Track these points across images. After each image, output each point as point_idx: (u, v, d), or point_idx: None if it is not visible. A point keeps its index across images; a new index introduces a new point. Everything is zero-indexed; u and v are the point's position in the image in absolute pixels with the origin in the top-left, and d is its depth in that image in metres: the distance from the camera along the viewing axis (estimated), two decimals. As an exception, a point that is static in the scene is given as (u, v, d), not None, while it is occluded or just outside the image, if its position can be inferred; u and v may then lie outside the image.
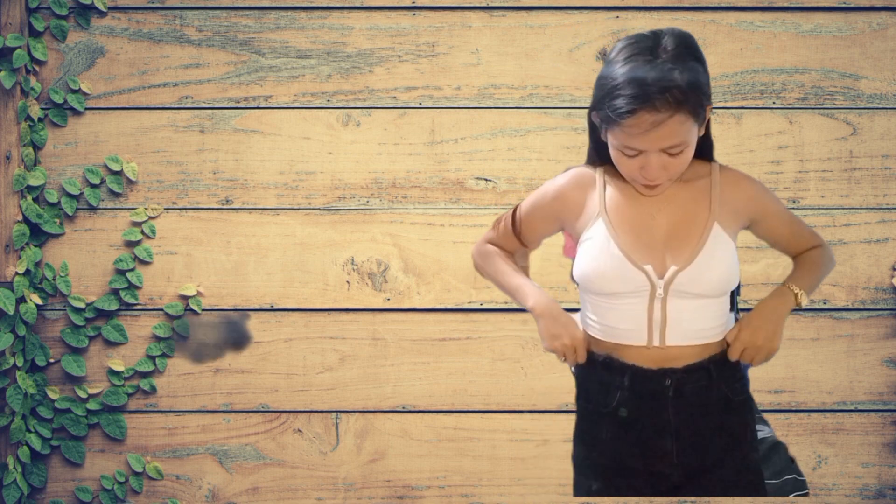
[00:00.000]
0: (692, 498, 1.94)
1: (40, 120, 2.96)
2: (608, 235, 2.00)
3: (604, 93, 1.93)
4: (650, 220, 2.01)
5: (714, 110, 2.95)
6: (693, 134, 1.94)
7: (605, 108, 1.92)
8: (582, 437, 2.09)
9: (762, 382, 2.94)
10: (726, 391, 2.03)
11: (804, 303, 2.13)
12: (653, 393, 2.00)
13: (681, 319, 2.00)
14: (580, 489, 2.07)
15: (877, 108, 2.96)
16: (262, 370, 2.98)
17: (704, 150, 2.05)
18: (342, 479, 2.98)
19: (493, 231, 2.18)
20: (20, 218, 2.95)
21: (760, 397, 2.94)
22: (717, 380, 2.02)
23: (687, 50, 1.95)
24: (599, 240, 2.01)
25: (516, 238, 2.14)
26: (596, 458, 2.04)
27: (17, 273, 2.92)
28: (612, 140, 1.95)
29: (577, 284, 2.08)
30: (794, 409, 2.96)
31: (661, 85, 1.89)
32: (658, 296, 1.99)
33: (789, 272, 2.17)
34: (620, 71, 1.91)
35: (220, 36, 2.98)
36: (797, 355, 2.96)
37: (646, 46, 1.93)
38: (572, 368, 2.12)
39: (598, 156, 2.05)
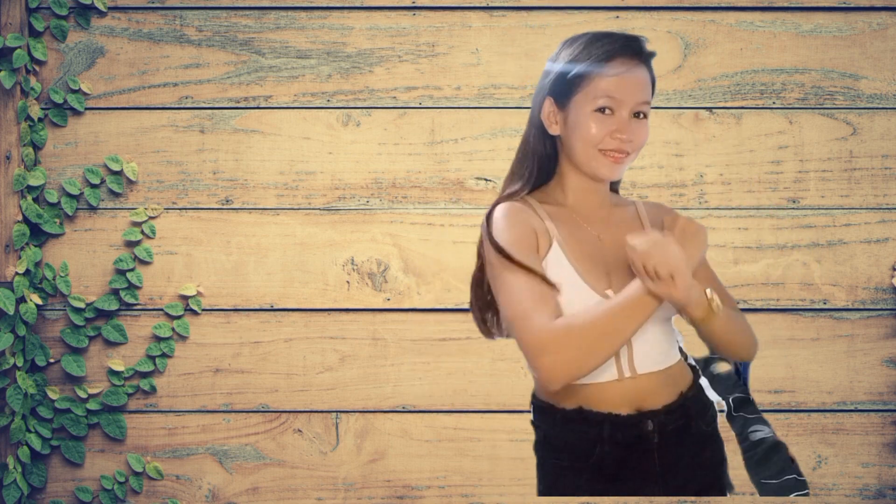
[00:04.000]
0: (692, 498, 1.94)
1: (40, 120, 2.96)
2: (569, 266, 1.92)
3: (566, 66, 1.95)
4: (598, 241, 1.97)
5: (714, 110, 2.96)
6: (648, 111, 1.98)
7: (575, 71, 1.93)
8: (552, 491, 1.97)
9: (762, 382, 2.94)
10: (702, 425, 1.97)
11: (713, 306, 1.87)
12: (637, 441, 1.90)
13: (645, 343, 1.92)
14: None
15: (877, 108, 2.96)
16: (262, 370, 2.98)
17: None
18: (342, 479, 2.99)
19: (536, 315, 1.83)
20: (20, 218, 2.95)
21: (760, 397, 2.94)
22: (694, 416, 1.95)
23: None
24: (560, 272, 1.91)
25: (553, 288, 1.89)
26: None
27: (17, 273, 2.92)
28: (584, 102, 1.94)
29: None
30: (794, 409, 2.96)
31: (632, 37, 1.96)
32: None
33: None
34: (580, 43, 1.96)
35: (220, 36, 2.98)
36: (797, 355, 2.96)
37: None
38: (532, 420, 1.99)
39: (538, 167, 2.00)
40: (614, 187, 2.14)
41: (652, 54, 1.98)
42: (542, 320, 1.81)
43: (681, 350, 2.04)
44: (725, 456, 2.03)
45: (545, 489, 1.98)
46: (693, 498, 1.94)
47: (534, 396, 2.03)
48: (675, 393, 1.94)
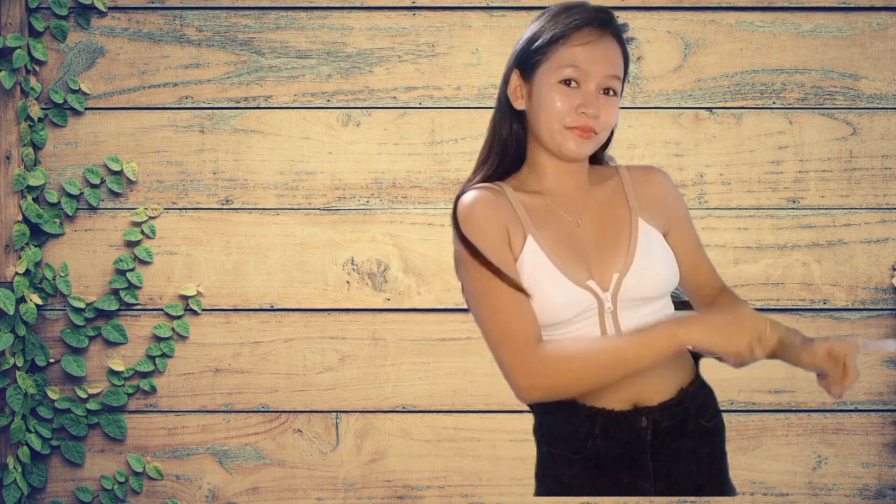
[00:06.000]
0: (692, 498, 1.94)
1: (40, 120, 2.96)
2: (546, 260, 1.82)
3: (534, 35, 1.87)
4: (576, 228, 1.87)
5: (714, 110, 2.96)
6: (620, 90, 1.88)
7: (540, 40, 1.85)
8: (545, 479, 1.93)
9: (762, 383, 2.94)
10: (701, 420, 1.89)
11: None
12: (629, 437, 1.85)
13: None
14: None
15: (877, 108, 2.96)
16: (262, 370, 2.98)
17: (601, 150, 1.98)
18: (342, 479, 2.99)
19: (514, 326, 1.80)
20: (20, 218, 2.95)
21: (761, 397, 2.94)
22: (693, 413, 1.88)
23: None
24: (537, 267, 1.82)
25: (526, 294, 1.81)
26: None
27: (17, 273, 2.92)
28: (548, 73, 1.85)
29: None
30: (794, 409, 2.96)
31: (601, 8, 1.88)
32: (608, 310, 1.83)
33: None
34: (548, 14, 1.88)
35: (220, 36, 2.98)
36: (797, 355, 2.95)
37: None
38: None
39: (501, 150, 1.92)
40: (597, 158, 1.99)
41: (623, 27, 1.89)
42: (528, 340, 1.78)
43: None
44: (723, 447, 1.96)
45: (539, 474, 1.94)
46: (693, 498, 1.93)
47: None
48: (673, 388, 1.87)
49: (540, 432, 1.94)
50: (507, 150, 1.93)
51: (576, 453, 1.87)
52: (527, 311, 1.79)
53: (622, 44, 1.89)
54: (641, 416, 1.85)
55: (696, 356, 1.97)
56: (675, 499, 1.90)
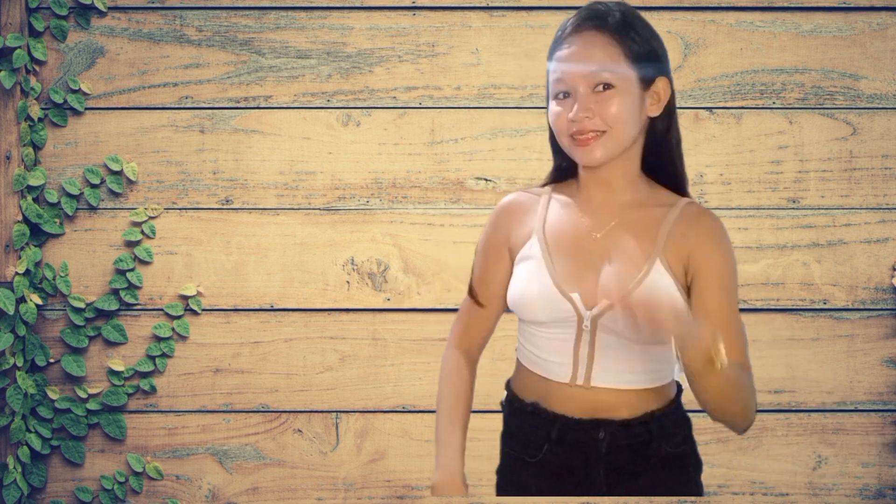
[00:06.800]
0: (692, 498, 1.94)
1: (40, 120, 2.96)
2: (540, 257, 1.85)
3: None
4: (591, 240, 1.85)
5: (714, 110, 2.96)
6: (627, 80, 1.81)
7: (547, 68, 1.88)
8: (503, 479, 1.95)
9: (762, 382, 2.94)
10: (665, 446, 1.86)
11: (719, 363, 1.67)
12: (584, 446, 1.84)
13: (608, 358, 1.82)
14: None
15: (877, 108, 2.96)
16: (262, 370, 2.98)
17: (668, 160, 1.90)
18: (342, 479, 2.99)
19: (456, 323, 2.04)
20: (20, 218, 2.95)
21: (761, 397, 2.94)
22: (658, 436, 1.85)
23: (635, 11, 1.88)
24: (531, 262, 1.86)
25: (477, 304, 1.99)
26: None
27: (17, 273, 2.92)
28: (550, 92, 1.85)
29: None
30: (794, 409, 2.96)
31: (594, 10, 1.85)
32: (585, 328, 1.82)
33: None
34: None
35: (220, 36, 2.98)
36: (797, 355, 2.96)
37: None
38: (502, 401, 2.00)
39: (556, 171, 1.95)
40: (674, 184, 1.91)
41: (613, 17, 1.83)
42: (458, 338, 2.04)
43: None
44: (694, 478, 1.92)
45: (500, 474, 1.99)
46: (693, 498, 1.93)
47: (507, 382, 2.02)
48: (640, 410, 1.85)
49: (503, 431, 1.98)
50: (560, 162, 1.95)
51: (532, 457, 1.89)
52: (473, 320, 2.02)
53: (613, 32, 1.82)
54: (599, 428, 1.83)
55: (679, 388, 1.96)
56: (675, 499, 1.90)
